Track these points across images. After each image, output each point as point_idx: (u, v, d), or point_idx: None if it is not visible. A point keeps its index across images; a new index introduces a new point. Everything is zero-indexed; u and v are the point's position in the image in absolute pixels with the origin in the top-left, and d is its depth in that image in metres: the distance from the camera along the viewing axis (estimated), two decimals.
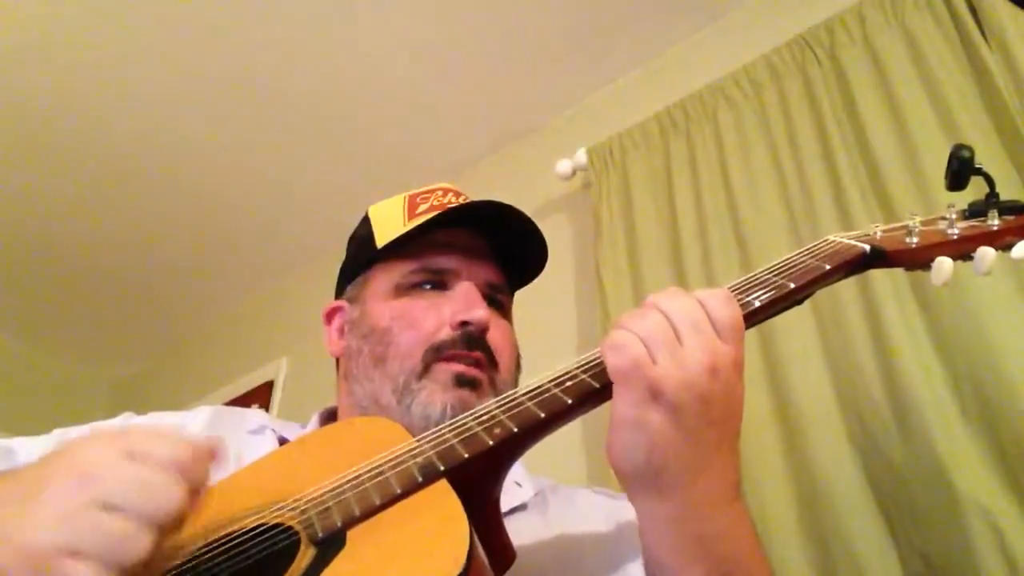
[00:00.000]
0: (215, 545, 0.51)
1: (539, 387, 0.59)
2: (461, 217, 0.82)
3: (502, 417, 0.57)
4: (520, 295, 0.93)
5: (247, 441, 0.79)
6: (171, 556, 0.48)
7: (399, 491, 0.52)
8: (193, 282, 2.83)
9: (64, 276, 2.72)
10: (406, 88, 2.10)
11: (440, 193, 0.88)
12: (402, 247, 0.82)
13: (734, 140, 1.64)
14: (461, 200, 0.87)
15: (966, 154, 0.72)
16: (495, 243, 0.86)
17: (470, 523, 0.49)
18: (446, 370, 0.75)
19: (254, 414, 0.88)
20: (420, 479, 0.53)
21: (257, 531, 0.52)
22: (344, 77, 2.06)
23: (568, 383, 0.58)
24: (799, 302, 0.66)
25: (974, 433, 1.11)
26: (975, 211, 0.72)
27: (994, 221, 0.70)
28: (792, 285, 0.64)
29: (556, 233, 1.92)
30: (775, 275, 0.66)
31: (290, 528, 0.52)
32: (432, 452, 0.56)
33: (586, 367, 0.59)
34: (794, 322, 1.32)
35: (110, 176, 2.32)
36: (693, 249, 1.57)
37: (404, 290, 0.82)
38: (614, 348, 0.55)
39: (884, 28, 1.49)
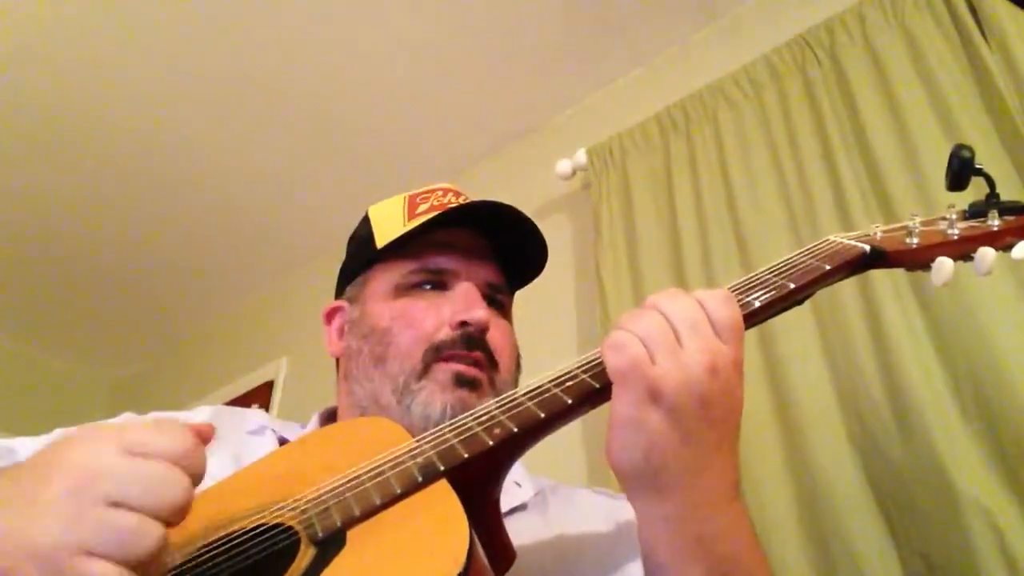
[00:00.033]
0: (215, 545, 0.51)
1: (539, 387, 0.59)
2: (461, 217, 0.82)
3: (502, 417, 0.57)
4: (520, 295, 0.93)
5: (247, 441, 0.79)
6: (178, 549, 0.48)
7: (399, 491, 0.52)
8: (193, 282, 2.83)
9: (64, 276, 2.73)
10: (406, 88, 2.10)
11: (440, 193, 0.88)
12: (402, 247, 0.82)
13: (734, 140, 1.64)
14: (461, 200, 0.87)
15: (966, 154, 0.72)
16: (495, 243, 0.86)
17: (470, 523, 0.49)
18: (446, 370, 0.75)
19: (254, 414, 0.88)
20: (420, 479, 0.53)
21: (257, 531, 0.52)
22: (344, 77, 2.06)
23: (568, 383, 0.58)
24: (799, 302, 0.66)
25: (974, 433, 1.11)
26: (975, 211, 0.72)
27: (994, 221, 0.70)
28: (792, 285, 0.64)
29: (556, 233, 1.92)
30: (775, 275, 0.66)
31: (290, 528, 0.52)
32: (432, 452, 0.56)
33: (586, 367, 0.59)
34: (794, 322, 1.32)
35: (110, 176, 2.32)
36: (693, 249, 1.57)
37: (404, 290, 0.82)
38: (614, 348, 0.55)
39: (884, 28, 1.50)
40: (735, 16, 1.88)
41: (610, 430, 0.55)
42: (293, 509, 0.54)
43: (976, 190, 0.73)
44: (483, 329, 0.78)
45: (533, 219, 0.84)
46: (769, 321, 0.66)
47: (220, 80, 2.04)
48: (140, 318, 3.00)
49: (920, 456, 1.13)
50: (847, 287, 1.29)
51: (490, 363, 0.78)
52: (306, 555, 0.50)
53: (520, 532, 0.64)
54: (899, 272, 1.21)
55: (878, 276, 1.26)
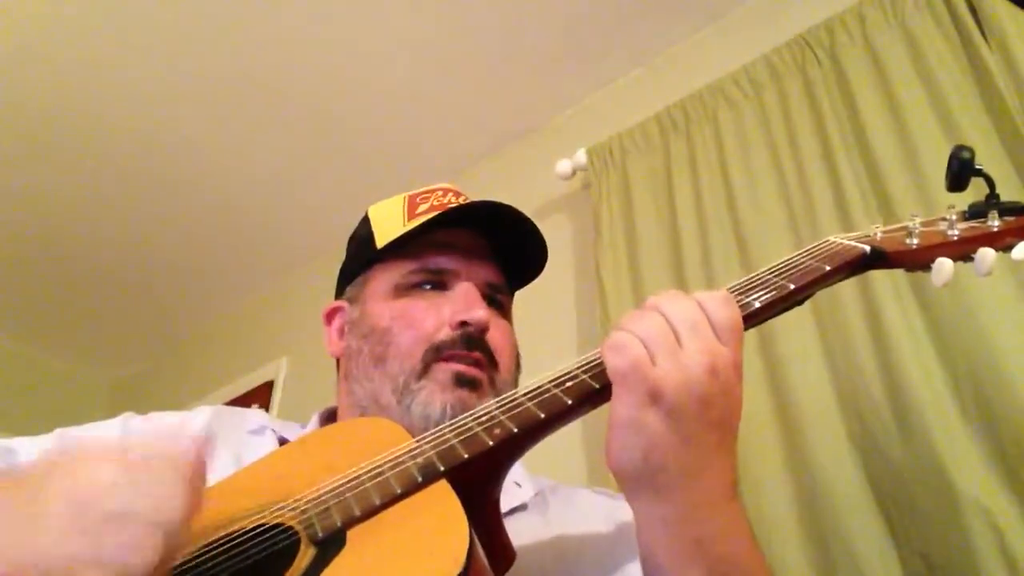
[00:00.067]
0: (215, 545, 0.51)
1: (539, 387, 0.59)
2: (461, 217, 0.82)
3: (502, 418, 0.57)
4: (520, 295, 0.93)
5: (247, 441, 0.79)
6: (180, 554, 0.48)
7: (399, 491, 0.53)
8: (193, 282, 2.84)
9: (64, 276, 2.73)
10: (406, 88, 2.10)
11: (440, 193, 0.88)
12: (402, 247, 0.82)
13: (734, 140, 1.64)
14: (461, 200, 0.87)
15: (966, 155, 0.72)
16: (495, 243, 0.86)
17: (470, 523, 0.49)
18: (446, 370, 0.75)
19: (254, 414, 0.88)
20: (420, 479, 0.53)
21: (257, 531, 0.52)
22: (344, 77, 2.06)
23: (568, 383, 0.58)
24: (799, 303, 0.66)
25: (974, 433, 1.11)
26: (975, 212, 0.72)
27: (994, 222, 0.70)
28: (792, 286, 0.64)
29: (556, 233, 1.92)
30: (775, 276, 0.66)
31: (290, 528, 0.52)
32: (432, 452, 0.56)
33: (586, 367, 0.59)
34: (794, 323, 1.32)
35: (110, 176, 2.33)
36: (693, 249, 1.57)
37: (404, 290, 0.82)
38: (614, 349, 0.55)
39: (884, 28, 1.50)
40: (735, 16, 1.88)
41: (610, 431, 0.55)
42: (293, 509, 0.54)
43: (976, 191, 0.73)
44: (483, 329, 0.78)
45: (533, 219, 0.83)
46: (769, 322, 0.66)
47: (220, 80, 2.04)
48: (140, 318, 3.00)
49: (920, 456, 1.13)
50: (847, 288, 1.29)
51: (490, 363, 0.78)
52: (306, 555, 0.50)
53: (520, 532, 0.64)
54: (899, 273, 1.21)
55: (878, 277, 1.26)
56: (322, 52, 1.99)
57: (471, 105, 2.17)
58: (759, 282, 0.65)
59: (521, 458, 0.61)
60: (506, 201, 0.82)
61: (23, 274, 2.69)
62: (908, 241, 0.71)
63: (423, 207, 0.85)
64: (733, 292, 0.64)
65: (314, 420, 0.88)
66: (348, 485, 0.54)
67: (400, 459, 0.56)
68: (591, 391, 0.57)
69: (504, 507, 0.64)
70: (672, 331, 0.55)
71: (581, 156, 1.91)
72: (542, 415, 0.56)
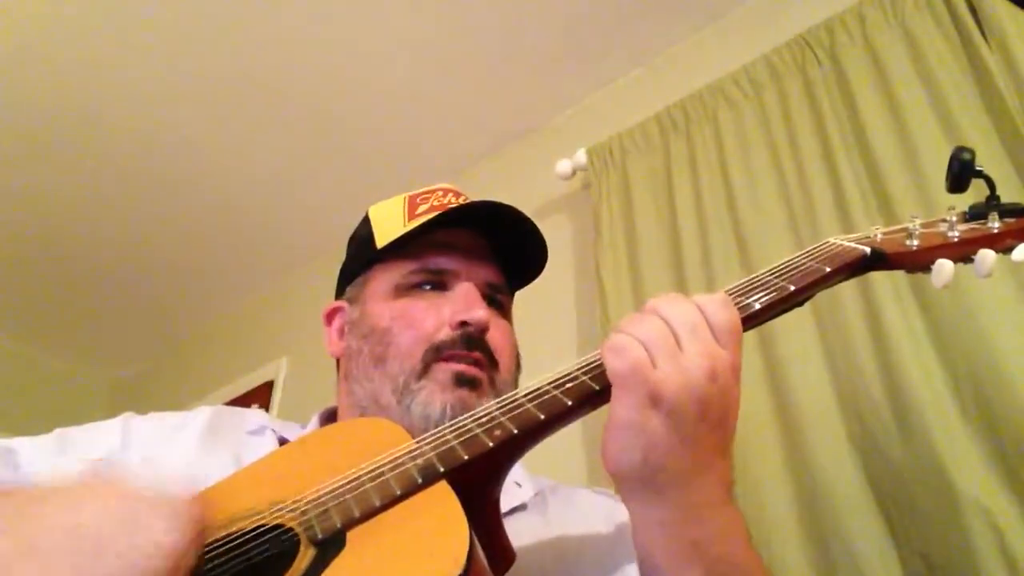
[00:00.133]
0: (215, 546, 0.51)
1: (539, 389, 0.59)
2: (461, 217, 0.82)
3: (502, 419, 0.57)
4: (520, 295, 0.93)
5: (246, 442, 0.79)
6: None
7: (399, 492, 0.53)
8: (193, 282, 2.84)
9: (64, 276, 2.73)
10: (406, 88, 2.10)
11: (440, 193, 0.88)
12: (402, 247, 0.82)
13: (734, 140, 1.64)
14: (461, 200, 0.87)
15: (967, 156, 0.72)
16: (495, 243, 0.86)
17: (470, 524, 0.49)
18: (446, 370, 0.75)
19: (254, 414, 0.88)
20: (420, 480, 0.53)
21: (256, 532, 0.52)
22: (344, 77, 2.06)
23: (568, 385, 0.58)
24: (799, 304, 0.66)
25: (974, 433, 1.11)
26: (976, 213, 0.72)
27: (995, 224, 0.70)
28: (792, 287, 0.64)
29: (556, 233, 1.92)
30: (775, 277, 0.66)
31: (290, 529, 0.52)
32: (432, 453, 0.56)
33: (586, 369, 0.59)
34: (794, 323, 1.32)
35: (110, 176, 2.33)
36: (693, 249, 1.57)
37: (404, 290, 0.82)
38: (615, 351, 0.55)
39: (884, 28, 1.49)
40: (735, 16, 1.88)
41: (608, 432, 0.55)
42: (293, 510, 0.54)
43: (976, 192, 0.73)
44: (483, 329, 0.78)
45: (533, 219, 0.84)
46: (769, 322, 0.66)
47: (220, 80, 2.04)
48: (140, 318, 3.00)
49: (920, 456, 1.13)
50: (847, 289, 1.29)
51: (490, 363, 0.78)
52: (306, 556, 0.50)
53: (520, 532, 0.64)
54: (899, 274, 1.21)
55: (878, 278, 1.26)
56: (322, 52, 1.99)
57: (471, 105, 2.16)
58: (759, 283, 0.65)
59: (521, 458, 0.61)
60: (506, 201, 0.82)
61: (23, 274, 2.69)
62: (908, 242, 0.71)
63: (423, 207, 0.85)
64: (733, 293, 0.64)
65: (314, 420, 0.88)
66: (348, 486, 0.54)
67: (400, 460, 0.56)
68: (591, 392, 0.57)
69: (504, 507, 0.64)
70: (672, 334, 0.55)
71: (581, 156, 1.91)
72: (542, 416, 0.56)
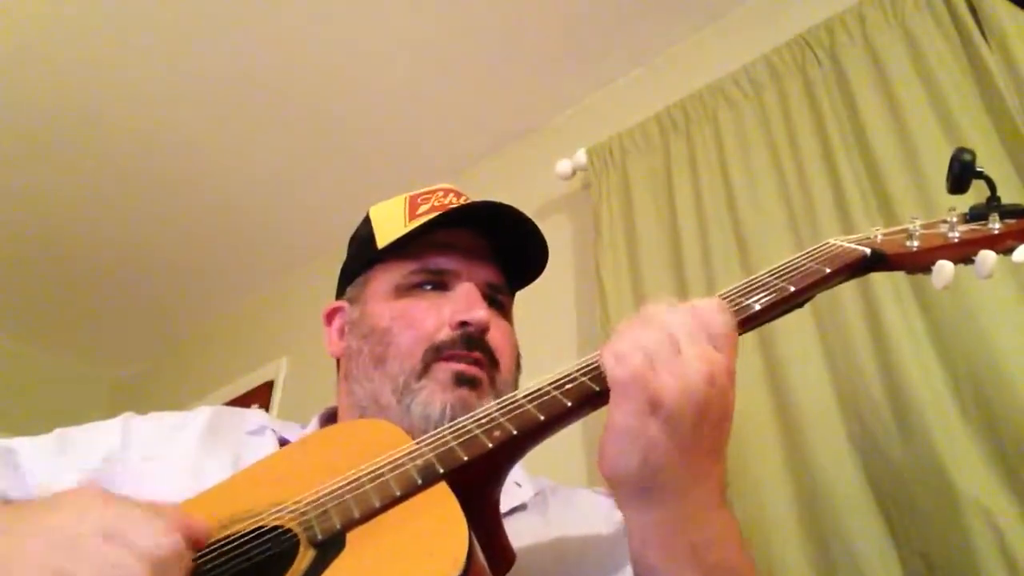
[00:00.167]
0: (214, 547, 0.51)
1: (539, 390, 0.59)
2: (462, 218, 0.83)
3: (502, 420, 0.57)
4: (520, 295, 0.93)
5: (246, 442, 0.79)
6: None
7: (398, 493, 0.53)
8: (193, 282, 2.83)
9: (64, 276, 2.73)
10: (406, 88, 2.10)
11: (441, 194, 0.88)
12: (403, 248, 0.83)
13: (734, 140, 1.64)
14: (462, 201, 0.88)
15: (967, 157, 0.72)
16: (496, 244, 0.86)
17: (469, 525, 0.49)
18: (446, 369, 0.75)
19: (254, 414, 0.88)
20: (419, 481, 0.53)
21: (256, 533, 0.52)
22: (344, 77, 2.06)
23: (568, 386, 0.58)
24: (799, 305, 0.67)
25: (974, 433, 1.11)
26: (976, 214, 0.72)
27: (995, 225, 0.70)
28: (792, 288, 0.64)
29: (556, 233, 1.92)
30: (775, 278, 0.66)
31: (289, 530, 0.52)
32: (431, 454, 0.56)
33: (586, 370, 0.59)
34: (794, 324, 1.32)
35: (110, 176, 2.32)
36: (693, 249, 1.57)
37: (404, 290, 0.82)
38: (615, 358, 0.55)
39: (884, 28, 1.49)
40: (735, 16, 1.88)
41: (606, 438, 0.55)
42: (292, 511, 0.54)
43: (977, 193, 0.73)
44: (483, 329, 0.78)
45: (533, 219, 0.84)
46: (769, 323, 0.66)
47: (220, 80, 2.04)
48: (140, 318, 3.00)
49: (920, 456, 1.13)
50: (847, 289, 1.29)
51: (490, 363, 0.78)
52: (305, 557, 0.50)
53: (520, 532, 0.64)
54: (899, 275, 1.21)
55: (878, 279, 1.26)
56: (322, 52, 1.98)
57: (471, 105, 2.16)
58: (759, 284, 0.65)
59: (521, 459, 0.61)
60: (506, 201, 0.83)
61: (23, 274, 2.69)
62: (908, 243, 0.71)
63: (424, 208, 0.85)
64: (733, 294, 0.64)
65: (314, 421, 0.88)
66: (347, 487, 0.54)
67: (399, 461, 0.56)
68: (591, 394, 0.57)
69: (504, 507, 0.64)
70: (671, 340, 0.55)
71: (581, 156, 1.91)
72: (542, 417, 0.57)
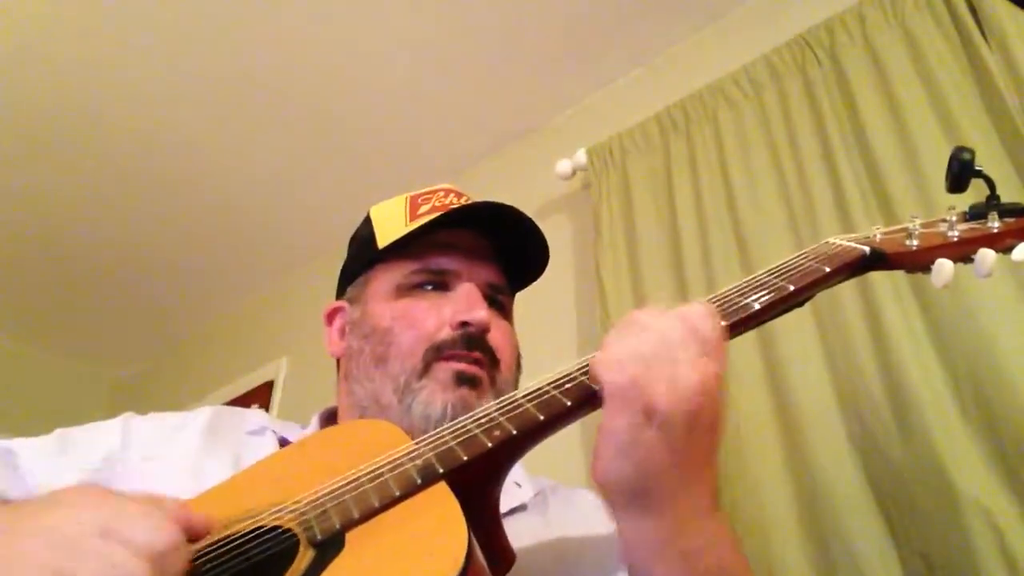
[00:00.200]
0: (214, 547, 0.51)
1: (538, 389, 0.59)
2: (463, 218, 0.83)
3: (501, 419, 0.57)
4: (520, 295, 0.93)
5: (246, 442, 0.79)
6: None
7: (398, 493, 0.53)
8: (193, 282, 2.84)
9: (64, 276, 2.73)
10: (406, 88, 2.10)
11: (441, 194, 0.88)
12: (403, 248, 0.83)
13: (734, 140, 1.64)
14: (462, 201, 0.88)
15: (966, 156, 0.72)
16: (496, 244, 0.86)
17: (469, 525, 0.49)
18: (446, 369, 0.76)
19: (254, 415, 0.88)
20: (419, 481, 0.53)
21: (255, 533, 0.52)
22: (344, 77, 2.06)
23: (567, 385, 0.59)
24: (799, 304, 0.67)
25: (974, 433, 1.11)
26: (975, 213, 0.72)
27: (995, 223, 0.70)
28: (792, 287, 0.64)
29: (556, 233, 1.92)
30: (775, 277, 0.66)
31: (288, 530, 0.52)
32: (431, 454, 0.56)
33: (586, 369, 0.59)
34: (794, 324, 1.32)
35: (110, 176, 2.32)
36: (693, 249, 1.57)
37: (405, 291, 0.82)
38: (609, 367, 0.55)
39: (884, 28, 1.49)
40: (735, 16, 1.88)
41: (600, 448, 0.55)
42: (292, 511, 0.54)
43: (976, 192, 0.73)
44: (484, 330, 0.78)
45: (533, 219, 0.84)
46: (769, 323, 0.66)
47: (220, 80, 2.04)
48: (140, 318, 3.00)
49: (920, 456, 1.13)
50: (847, 289, 1.29)
51: (491, 363, 0.78)
52: (304, 557, 0.50)
53: (520, 533, 0.64)
54: (899, 274, 1.21)
55: (878, 278, 1.26)
56: (322, 52, 1.99)
57: (471, 105, 2.16)
58: (759, 283, 0.65)
59: (521, 459, 0.61)
60: (506, 201, 0.83)
61: (23, 274, 2.69)
62: (908, 242, 0.71)
63: (424, 208, 0.85)
64: (733, 293, 0.64)
65: (314, 421, 0.88)
66: (347, 487, 0.54)
67: (399, 461, 0.56)
68: (590, 393, 0.57)
69: (504, 507, 0.64)
70: (663, 347, 0.55)
71: (581, 156, 1.91)
72: (541, 417, 0.57)
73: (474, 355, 0.76)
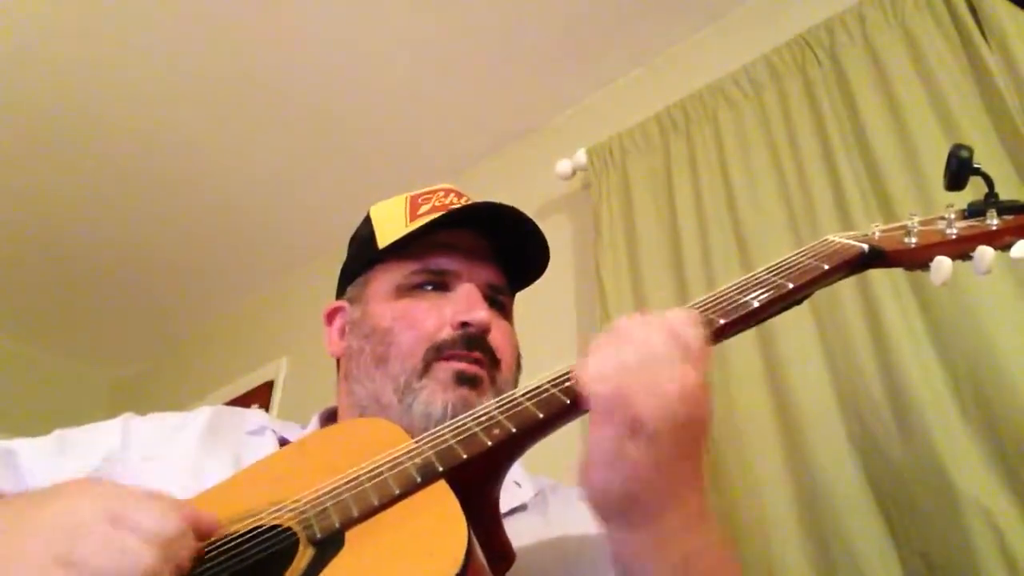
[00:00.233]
0: (214, 547, 0.51)
1: (538, 388, 0.59)
2: (463, 218, 0.83)
3: (501, 418, 0.57)
4: (520, 295, 0.93)
5: (246, 442, 0.79)
6: None
7: (397, 492, 0.53)
8: (193, 282, 2.84)
9: (64, 276, 2.73)
10: (406, 88, 2.10)
11: (442, 194, 0.88)
12: (404, 248, 0.83)
13: (734, 140, 1.64)
14: (463, 201, 0.88)
15: (965, 154, 0.72)
16: (496, 244, 0.86)
17: (469, 524, 0.49)
18: (447, 368, 0.76)
19: (254, 414, 0.88)
20: (419, 479, 0.53)
21: (255, 532, 0.52)
22: (344, 77, 2.06)
23: (567, 383, 0.59)
24: (798, 302, 0.67)
25: (974, 433, 1.11)
26: (974, 211, 0.72)
27: (993, 221, 0.70)
28: (791, 285, 0.64)
29: (556, 233, 1.92)
30: (774, 275, 0.66)
31: (288, 529, 0.52)
32: (431, 453, 0.56)
33: None
34: (793, 322, 1.32)
35: (110, 176, 2.32)
36: (693, 249, 1.57)
37: (405, 291, 0.82)
38: (593, 379, 0.54)
39: (884, 28, 1.49)
40: (735, 16, 1.88)
41: (588, 463, 0.54)
42: (292, 510, 0.54)
43: (975, 190, 0.73)
44: (484, 330, 0.78)
45: (533, 219, 0.84)
46: (768, 321, 0.67)
47: (220, 80, 2.04)
48: (140, 318, 3.00)
49: (920, 456, 1.13)
50: (846, 287, 1.29)
51: (491, 362, 0.78)
52: (304, 556, 0.50)
53: (520, 532, 0.64)
54: (898, 272, 1.21)
55: (877, 276, 1.26)
56: (322, 52, 1.99)
57: (471, 105, 2.16)
58: (758, 281, 0.65)
59: (520, 458, 0.61)
60: (506, 201, 0.83)
61: (23, 274, 2.69)
62: (907, 240, 0.71)
63: (424, 208, 0.85)
64: (732, 291, 0.64)
65: (314, 421, 0.88)
66: (346, 486, 0.54)
67: (399, 460, 0.56)
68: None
69: (504, 507, 0.64)
70: (646, 358, 0.54)
71: (581, 156, 1.91)
72: (541, 415, 0.57)
73: (474, 355, 0.77)
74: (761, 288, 0.64)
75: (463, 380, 0.75)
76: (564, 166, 1.92)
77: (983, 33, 1.34)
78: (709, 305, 0.64)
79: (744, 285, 0.65)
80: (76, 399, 3.11)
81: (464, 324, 0.77)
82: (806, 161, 1.49)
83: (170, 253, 2.68)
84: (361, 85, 2.08)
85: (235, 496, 0.57)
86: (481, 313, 0.78)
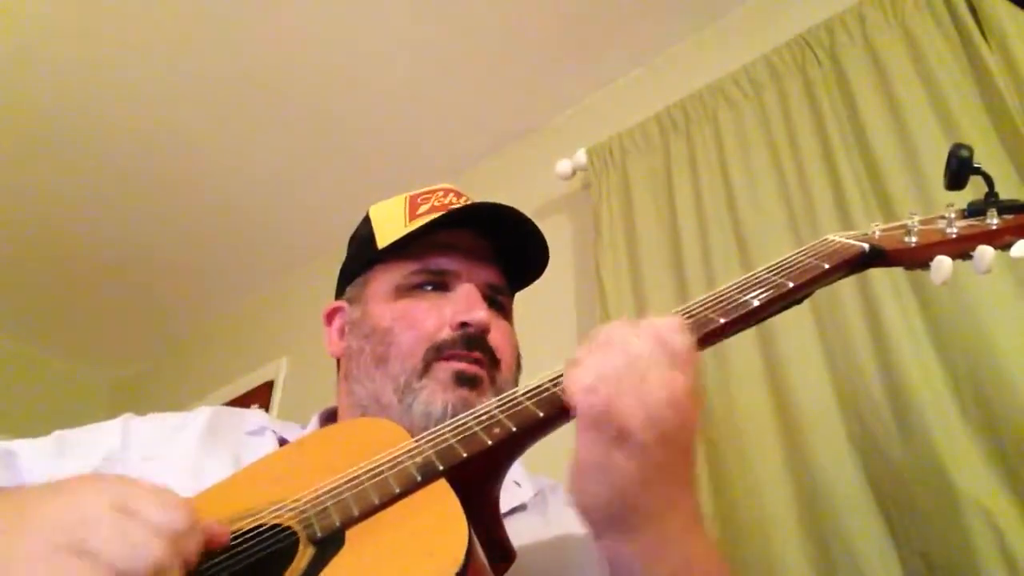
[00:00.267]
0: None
1: (538, 387, 0.59)
2: (463, 218, 0.83)
3: (501, 417, 0.57)
4: (520, 295, 0.93)
5: (246, 442, 0.79)
6: None
7: (398, 491, 0.53)
8: (193, 282, 2.84)
9: (64, 276, 2.73)
10: (406, 88, 2.10)
11: (441, 194, 0.88)
12: (403, 248, 0.83)
13: (734, 140, 1.64)
14: (462, 201, 0.88)
15: (965, 153, 0.72)
16: (496, 244, 0.86)
17: (469, 523, 0.49)
18: (446, 368, 0.76)
19: (253, 415, 0.88)
20: (419, 479, 0.53)
21: (255, 532, 0.52)
22: (344, 77, 2.06)
23: None
24: (798, 301, 0.67)
25: (974, 433, 1.11)
26: (974, 210, 0.72)
27: (993, 220, 0.70)
28: (791, 284, 0.64)
29: (556, 233, 1.92)
30: (774, 274, 0.66)
31: (289, 528, 0.52)
32: (431, 452, 0.56)
33: None
34: (794, 322, 1.32)
35: (110, 176, 2.32)
36: (693, 249, 1.57)
37: (405, 291, 0.82)
38: (580, 388, 0.54)
39: (884, 28, 1.49)
40: (735, 16, 1.88)
41: (576, 473, 0.54)
42: (292, 509, 0.54)
43: (975, 189, 0.73)
44: (484, 330, 0.78)
45: (533, 219, 0.84)
46: (768, 321, 0.67)
47: (220, 80, 2.04)
48: (140, 318, 3.00)
49: (920, 456, 1.13)
50: (846, 286, 1.29)
51: (491, 362, 0.78)
52: (305, 555, 0.50)
53: (520, 532, 0.64)
54: (898, 271, 1.21)
55: (877, 275, 1.26)
56: (322, 52, 1.99)
57: (471, 105, 2.16)
58: (758, 280, 0.65)
59: (520, 457, 0.61)
60: (506, 201, 0.83)
61: (23, 274, 2.69)
62: (907, 239, 0.71)
63: (424, 208, 0.85)
64: (732, 290, 0.64)
65: (314, 421, 0.88)
66: (347, 485, 0.54)
67: (399, 459, 0.56)
68: None
69: (504, 507, 0.64)
70: (634, 365, 0.53)
71: (581, 156, 1.91)
72: (541, 414, 0.57)
73: (474, 355, 0.77)
74: (761, 287, 0.64)
75: (463, 380, 0.75)
76: (564, 166, 1.92)
77: (983, 33, 1.34)
78: (709, 304, 0.64)
79: (744, 284, 0.65)
80: (76, 399, 3.11)
81: (464, 324, 0.77)
82: (806, 161, 1.49)
83: (170, 253, 2.68)
84: (361, 85, 2.08)
85: (235, 495, 0.57)
86: (481, 313, 0.78)
